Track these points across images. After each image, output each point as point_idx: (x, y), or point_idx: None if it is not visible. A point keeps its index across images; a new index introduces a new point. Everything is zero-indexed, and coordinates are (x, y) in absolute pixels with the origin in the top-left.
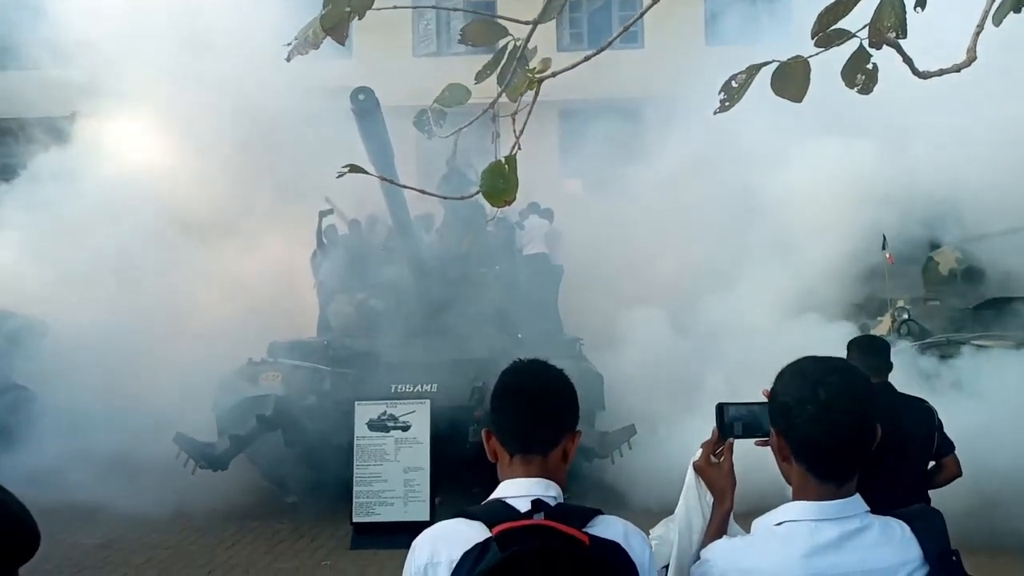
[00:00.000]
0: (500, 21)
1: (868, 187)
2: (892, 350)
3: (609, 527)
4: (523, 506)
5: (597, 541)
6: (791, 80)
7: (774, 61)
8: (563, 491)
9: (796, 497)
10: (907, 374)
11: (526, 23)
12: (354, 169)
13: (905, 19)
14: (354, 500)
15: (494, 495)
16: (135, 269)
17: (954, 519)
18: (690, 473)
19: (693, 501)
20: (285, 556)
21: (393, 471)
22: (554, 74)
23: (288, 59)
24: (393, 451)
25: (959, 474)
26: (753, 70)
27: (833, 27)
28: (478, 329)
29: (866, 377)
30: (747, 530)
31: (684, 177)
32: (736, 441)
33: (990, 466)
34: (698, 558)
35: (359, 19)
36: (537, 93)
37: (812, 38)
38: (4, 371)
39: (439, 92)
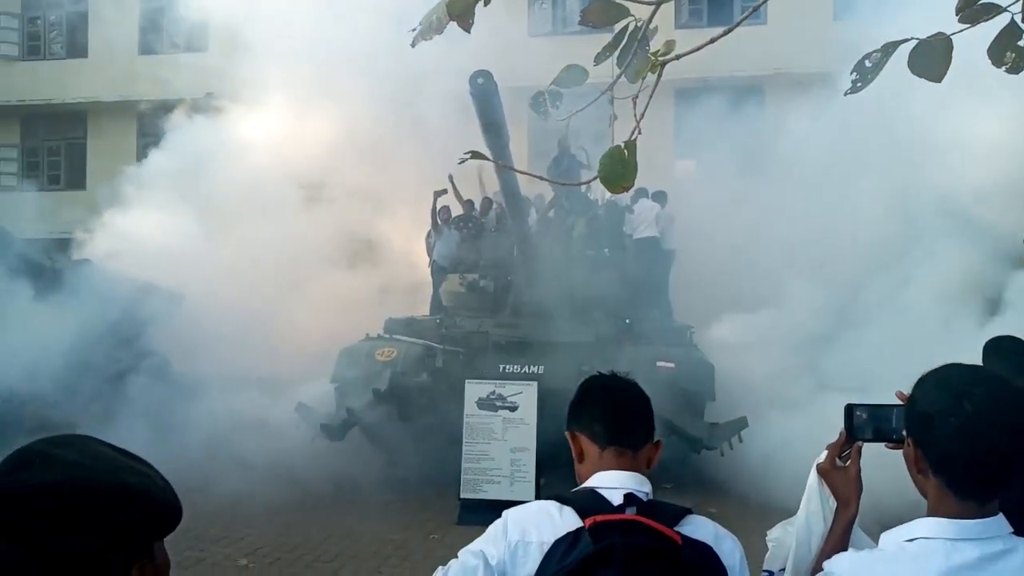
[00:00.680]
0: (621, 2)
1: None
2: None
3: (700, 528)
4: (616, 498)
5: (689, 541)
6: (931, 59)
7: (912, 39)
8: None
9: (932, 512)
10: None
11: (648, 3)
12: (476, 155)
13: None
14: (462, 476)
15: (587, 483)
16: (264, 244)
17: None
18: (813, 475)
19: (815, 506)
20: (395, 528)
21: (500, 450)
22: (678, 56)
23: (413, 45)
24: (501, 431)
25: None
26: (890, 48)
27: (980, 2)
28: (586, 313)
29: (1019, 389)
30: (874, 540)
31: (805, 160)
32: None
33: None
34: (819, 568)
35: (485, 5)
36: (660, 76)
37: (956, 14)
38: (145, 339)
39: (554, 73)
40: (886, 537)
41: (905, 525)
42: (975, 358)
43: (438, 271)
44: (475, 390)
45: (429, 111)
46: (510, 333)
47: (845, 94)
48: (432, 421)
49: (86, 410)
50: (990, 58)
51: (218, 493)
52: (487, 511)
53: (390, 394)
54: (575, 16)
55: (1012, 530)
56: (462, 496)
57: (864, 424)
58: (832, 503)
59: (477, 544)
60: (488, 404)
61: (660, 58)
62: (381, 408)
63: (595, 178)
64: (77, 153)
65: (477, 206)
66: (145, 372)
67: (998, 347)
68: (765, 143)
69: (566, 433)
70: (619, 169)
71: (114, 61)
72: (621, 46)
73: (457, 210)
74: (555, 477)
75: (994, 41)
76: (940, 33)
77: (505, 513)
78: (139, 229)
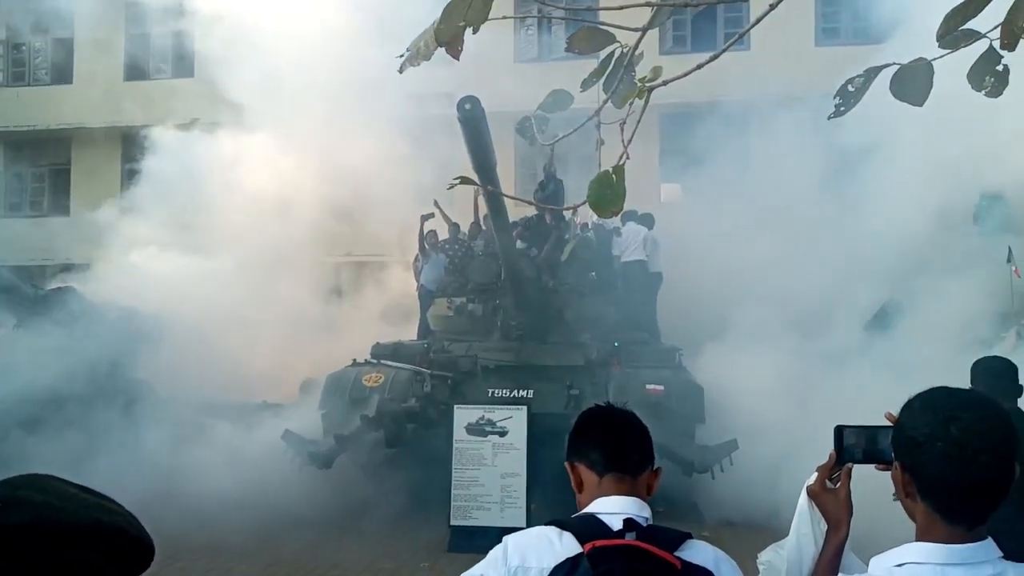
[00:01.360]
0: (607, 28)
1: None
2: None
3: (699, 552)
4: (615, 524)
5: (688, 566)
6: (913, 84)
7: (894, 64)
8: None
9: (920, 537)
10: None
11: (634, 30)
12: (464, 181)
13: None
14: (452, 503)
15: (587, 509)
16: (248, 269)
17: None
18: (803, 498)
19: (805, 528)
20: (385, 556)
21: (490, 476)
22: (665, 82)
23: (401, 71)
24: (491, 456)
25: None
26: (872, 73)
27: (961, 28)
28: (574, 336)
29: (1006, 413)
30: (864, 561)
31: (791, 183)
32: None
33: None
34: None
35: (474, 33)
36: (647, 102)
37: (938, 40)
38: (126, 366)
39: (540, 98)
40: (876, 562)
41: (894, 550)
42: (965, 380)
43: (426, 295)
44: (464, 415)
45: (416, 136)
46: (499, 357)
47: (829, 118)
48: (421, 447)
49: (63, 440)
50: (970, 82)
51: (205, 524)
52: (478, 538)
53: (378, 420)
54: (561, 42)
55: (1001, 554)
56: (452, 523)
57: (854, 446)
58: (823, 525)
59: (477, 569)
60: (477, 429)
61: (647, 84)
62: (369, 434)
63: (584, 203)
64: (61, 179)
65: (465, 230)
66: (128, 400)
67: (986, 368)
68: (749, 166)
69: (565, 464)
70: (608, 194)
71: (99, 87)
72: (607, 72)
73: (444, 234)
74: (546, 502)
75: (974, 66)
76: (921, 58)
77: (505, 539)
78: (122, 256)
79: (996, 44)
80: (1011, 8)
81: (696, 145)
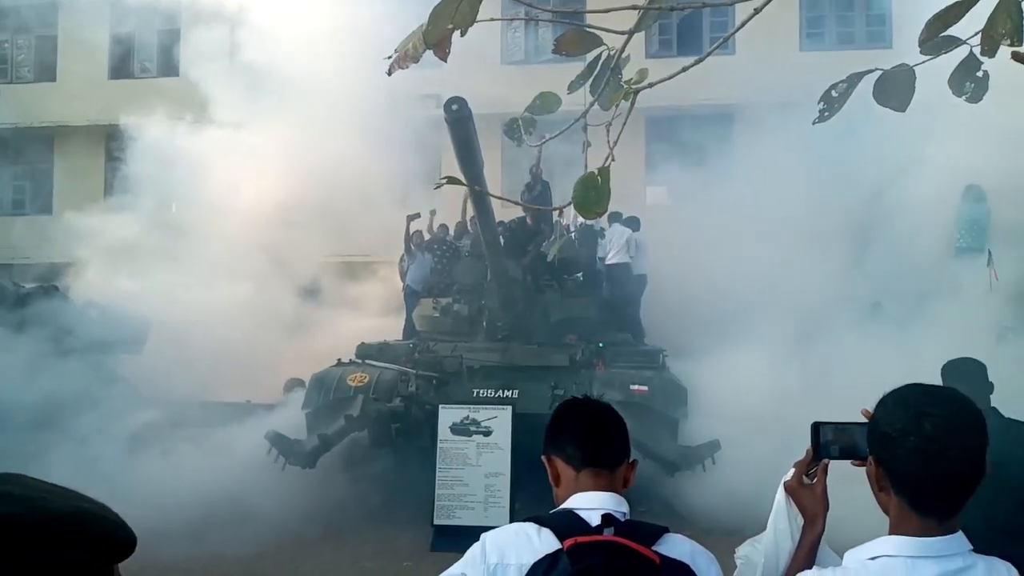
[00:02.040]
0: (594, 31)
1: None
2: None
3: (677, 546)
4: (594, 519)
5: (667, 561)
6: (895, 89)
7: (877, 69)
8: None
9: (893, 531)
10: None
11: (620, 33)
12: (451, 181)
13: (1021, 25)
14: (436, 503)
15: (565, 505)
16: (233, 269)
17: None
18: (780, 493)
19: (782, 523)
20: (367, 555)
21: (474, 476)
22: (651, 85)
23: (390, 72)
24: (475, 456)
25: None
26: (855, 79)
27: (942, 34)
28: (560, 337)
29: (976, 409)
30: (840, 555)
31: (776, 187)
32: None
33: None
34: None
35: (462, 35)
36: (633, 104)
37: (920, 46)
38: (108, 364)
39: (527, 100)
40: (850, 555)
41: (868, 543)
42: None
43: (411, 295)
44: (449, 415)
45: (404, 136)
46: (484, 357)
47: (813, 123)
48: (405, 447)
49: (37, 441)
50: (951, 88)
51: (185, 522)
52: (461, 537)
53: (362, 420)
54: (548, 44)
55: (971, 547)
56: (436, 522)
57: (830, 442)
58: (799, 520)
59: (457, 568)
60: (462, 429)
61: (633, 86)
62: (353, 434)
63: (569, 204)
64: (44, 177)
65: (451, 231)
66: (112, 399)
67: (957, 369)
68: (734, 169)
69: (542, 457)
70: (593, 195)
71: (83, 85)
72: (594, 74)
73: (430, 234)
74: (530, 502)
75: (954, 72)
76: (903, 64)
77: (483, 536)
78: (105, 255)
79: (977, 51)
80: (991, 15)
81: (682, 148)
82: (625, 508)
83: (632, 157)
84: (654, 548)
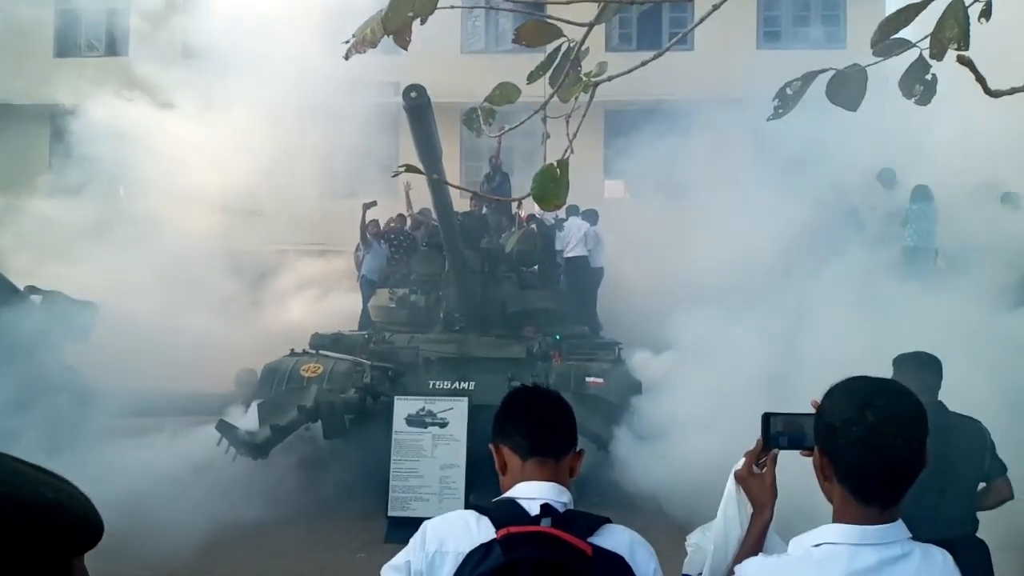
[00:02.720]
0: (554, 22)
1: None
2: None
3: (614, 536)
4: (533, 509)
5: (600, 552)
6: (847, 88)
7: (830, 69)
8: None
9: (836, 519)
10: None
11: (581, 25)
12: (409, 168)
13: (968, 31)
14: (390, 494)
15: (508, 494)
16: (184, 257)
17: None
18: (731, 482)
19: (732, 511)
20: (321, 546)
21: (429, 467)
22: (610, 78)
23: (347, 57)
24: (430, 447)
25: (1010, 496)
26: (809, 77)
27: (893, 36)
28: (517, 329)
29: (918, 401)
30: (786, 542)
31: (731, 181)
32: (780, 452)
33: None
34: (731, 572)
35: (422, 23)
36: (592, 97)
37: (872, 47)
38: (55, 353)
39: (486, 90)
40: (795, 542)
41: (812, 531)
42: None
43: (367, 285)
44: (404, 407)
45: (361, 123)
46: (440, 349)
47: (768, 119)
48: (359, 438)
49: None
50: (901, 90)
51: (134, 512)
52: (415, 529)
53: (315, 411)
54: (508, 34)
55: (910, 535)
56: (390, 514)
57: (780, 433)
58: (749, 508)
59: (401, 556)
60: (417, 421)
61: (592, 79)
62: (306, 425)
63: (528, 195)
64: None
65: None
66: (56, 389)
67: (908, 360)
68: (691, 164)
69: (490, 445)
70: (552, 187)
71: (27, 63)
72: (554, 66)
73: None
74: (485, 493)
75: (904, 74)
76: (856, 64)
77: (425, 523)
78: (50, 238)
79: (926, 54)
80: (939, 20)
81: (639, 143)
82: (566, 498)
83: (590, 151)
84: (590, 539)
